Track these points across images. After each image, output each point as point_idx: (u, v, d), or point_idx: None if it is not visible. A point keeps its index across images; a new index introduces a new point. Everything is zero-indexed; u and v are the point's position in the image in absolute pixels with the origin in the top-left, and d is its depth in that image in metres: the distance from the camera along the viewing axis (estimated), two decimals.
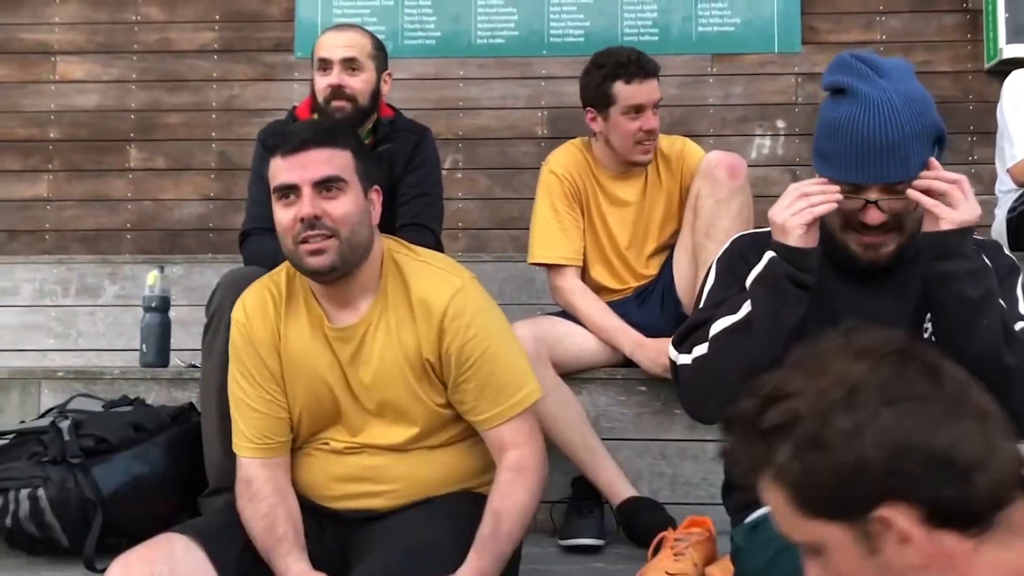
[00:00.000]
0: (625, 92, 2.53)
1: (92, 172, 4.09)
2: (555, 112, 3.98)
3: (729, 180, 2.49)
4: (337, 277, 1.74)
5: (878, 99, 1.52)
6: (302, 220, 1.68)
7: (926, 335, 1.61)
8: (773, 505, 0.99)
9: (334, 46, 2.57)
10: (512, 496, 1.71)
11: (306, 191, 1.69)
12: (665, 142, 2.67)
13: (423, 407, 1.79)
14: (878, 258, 1.60)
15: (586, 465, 2.41)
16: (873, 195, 1.55)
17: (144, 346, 2.85)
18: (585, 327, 2.55)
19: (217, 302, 2.30)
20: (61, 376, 2.72)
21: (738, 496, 1.71)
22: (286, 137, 1.78)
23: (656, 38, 4.04)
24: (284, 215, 1.72)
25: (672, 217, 2.66)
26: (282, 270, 1.87)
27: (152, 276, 2.88)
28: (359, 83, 2.55)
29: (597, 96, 2.57)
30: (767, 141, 3.99)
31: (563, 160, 2.65)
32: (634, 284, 2.66)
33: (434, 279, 1.80)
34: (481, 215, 4.00)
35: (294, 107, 2.72)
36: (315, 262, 1.70)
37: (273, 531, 1.71)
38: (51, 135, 4.11)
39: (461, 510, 1.74)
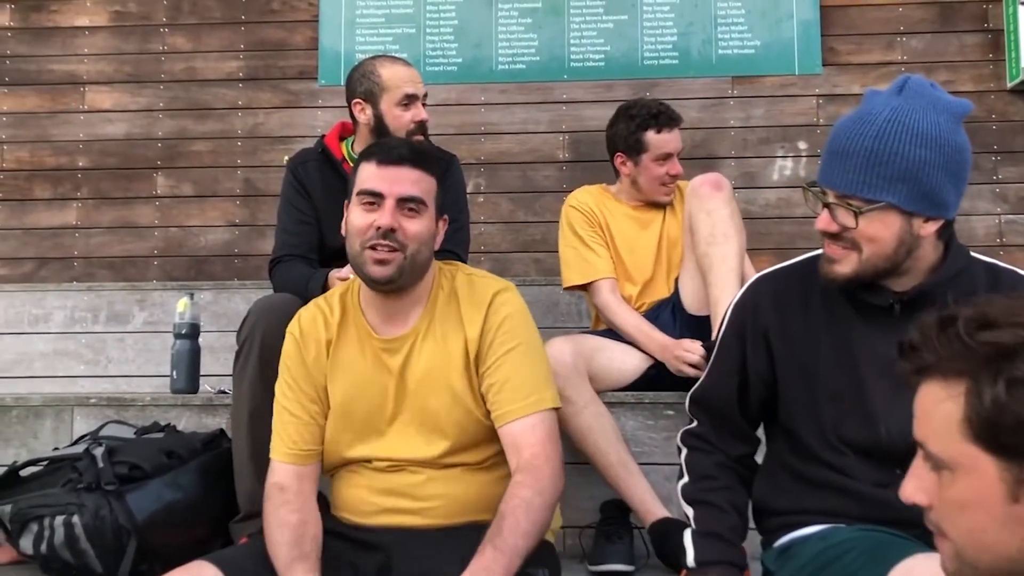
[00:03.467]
0: (657, 141, 2.81)
1: (120, 200, 4.14)
2: (576, 136, 4.00)
3: (714, 191, 2.59)
4: (393, 289, 1.82)
5: (867, 110, 1.50)
6: (378, 228, 1.77)
7: None
8: (936, 413, 0.97)
9: (417, 81, 2.66)
10: (516, 495, 1.71)
11: (389, 203, 1.79)
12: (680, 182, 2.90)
13: (463, 414, 1.83)
14: (831, 275, 1.56)
15: (619, 481, 2.42)
16: (830, 198, 1.52)
17: (174, 372, 2.86)
18: (623, 338, 2.66)
19: (248, 329, 2.33)
20: (93, 403, 2.74)
21: (770, 520, 1.72)
22: (384, 148, 1.87)
23: (676, 61, 4.06)
24: (362, 219, 1.80)
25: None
26: (335, 292, 1.96)
27: (182, 303, 2.90)
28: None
29: (630, 143, 2.82)
30: (788, 163, 3.99)
31: (580, 196, 2.88)
32: (648, 302, 2.79)
33: (484, 280, 1.92)
34: (504, 239, 4.02)
35: (323, 136, 2.75)
36: (377, 271, 1.79)
37: (299, 545, 1.74)
38: (80, 164, 4.17)
39: None
